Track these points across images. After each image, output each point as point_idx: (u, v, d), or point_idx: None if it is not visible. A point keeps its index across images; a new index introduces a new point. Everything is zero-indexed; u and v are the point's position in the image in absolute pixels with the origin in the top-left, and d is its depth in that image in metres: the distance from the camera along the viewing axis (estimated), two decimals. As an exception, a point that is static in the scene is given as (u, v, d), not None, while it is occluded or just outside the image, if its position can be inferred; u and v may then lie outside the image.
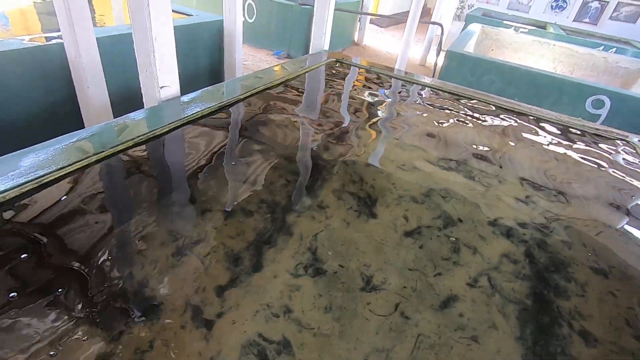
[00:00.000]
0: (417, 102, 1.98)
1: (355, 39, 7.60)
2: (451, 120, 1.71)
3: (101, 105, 1.91)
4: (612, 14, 8.69)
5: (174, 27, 1.35)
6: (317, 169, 1.20)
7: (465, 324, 0.75)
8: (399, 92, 2.07)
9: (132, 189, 1.00)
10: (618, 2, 8.56)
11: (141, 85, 1.37)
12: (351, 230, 0.95)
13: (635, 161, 1.56)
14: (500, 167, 1.36)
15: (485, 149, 1.49)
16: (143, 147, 1.12)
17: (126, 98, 2.21)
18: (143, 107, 1.38)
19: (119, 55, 2.12)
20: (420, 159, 1.35)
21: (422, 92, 2.09)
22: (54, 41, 1.86)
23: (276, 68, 1.98)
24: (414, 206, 1.08)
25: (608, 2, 8.63)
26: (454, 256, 0.92)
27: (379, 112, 1.73)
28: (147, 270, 0.75)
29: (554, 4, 9.07)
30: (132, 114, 1.22)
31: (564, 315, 0.80)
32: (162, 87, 1.34)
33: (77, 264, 0.74)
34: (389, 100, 1.94)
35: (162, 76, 1.32)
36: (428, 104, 1.93)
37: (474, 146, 1.50)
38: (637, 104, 2.72)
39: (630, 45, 6.63)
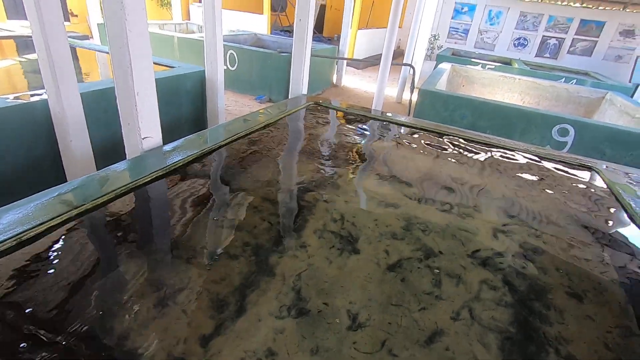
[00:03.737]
0: (393, 140, 2.07)
1: (334, 80, 7.95)
2: (426, 156, 1.79)
3: (84, 158, 1.93)
4: (570, 48, 9.41)
5: (157, 79, 1.41)
6: (299, 210, 1.23)
7: (451, 358, 0.75)
8: (376, 132, 2.16)
9: (114, 239, 1.00)
10: (573, 39, 9.30)
11: (124, 137, 1.41)
12: (334, 268, 0.97)
13: (601, 187, 1.64)
14: (476, 199, 1.41)
15: (460, 181, 1.55)
16: (125, 197, 1.13)
17: (109, 150, 2.24)
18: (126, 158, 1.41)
19: (102, 108, 2.17)
20: (400, 195, 1.39)
21: (397, 130, 2.19)
22: (37, 98, 1.90)
23: (258, 113, 2.05)
24: (394, 242, 1.11)
25: (564, 38, 9.36)
26: (435, 289, 0.93)
27: (358, 152, 1.80)
28: (128, 322, 0.74)
29: (516, 42, 9.79)
30: (113, 166, 1.24)
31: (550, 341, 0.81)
32: (145, 137, 1.38)
33: (53, 319, 0.73)
34: (366, 140, 2.02)
35: (144, 128, 1.36)
36: (404, 142, 2.02)
37: (450, 180, 1.56)
38: (597, 131, 2.91)
39: (588, 76, 7.13)
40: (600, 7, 8.80)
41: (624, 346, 0.81)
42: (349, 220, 1.19)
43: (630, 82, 7.60)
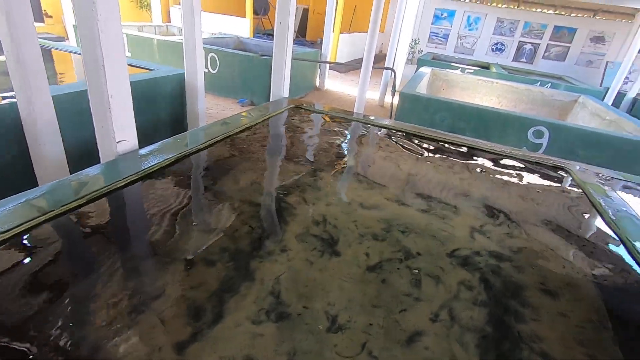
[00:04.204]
0: (375, 142, 2.08)
1: (317, 84, 7.97)
2: (407, 158, 1.81)
3: (56, 163, 1.86)
4: (544, 54, 9.75)
5: (134, 81, 1.38)
6: (280, 213, 1.22)
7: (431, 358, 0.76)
8: (357, 135, 2.17)
9: (86, 246, 0.97)
10: (548, 44, 9.64)
11: (97, 141, 1.37)
12: (315, 270, 0.96)
13: (574, 187, 1.70)
14: (454, 200, 1.44)
15: (439, 183, 1.57)
16: (98, 202, 1.09)
17: (84, 154, 2.17)
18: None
19: (76, 111, 2.10)
20: (380, 197, 1.40)
21: (379, 133, 2.20)
22: (6, 101, 1.83)
23: (239, 116, 2.03)
24: (375, 243, 1.11)
25: (539, 44, 9.69)
26: (415, 291, 0.94)
27: (339, 154, 1.80)
28: (101, 332, 0.72)
29: (494, 47, 10.06)
30: (86, 170, 1.20)
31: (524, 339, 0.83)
32: (119, 141, 1.34)
33: (21, 329, 0.69)
34: (348, 142, 2.03)
35: (118, 131, 1.32)
36: (385, 144, 2.04)
37: (429, 181, 1.58)
38: (570, 132, 3.01)
39: (562, 80, 7.39)
40: (572, 14, 9.16)
41: (596, 341, 0.83)
42: (330, 222, 1.19)
43: (601, 86, 7.93)
